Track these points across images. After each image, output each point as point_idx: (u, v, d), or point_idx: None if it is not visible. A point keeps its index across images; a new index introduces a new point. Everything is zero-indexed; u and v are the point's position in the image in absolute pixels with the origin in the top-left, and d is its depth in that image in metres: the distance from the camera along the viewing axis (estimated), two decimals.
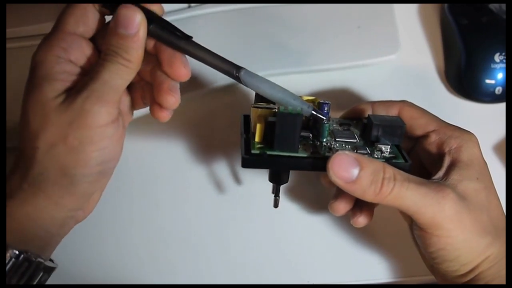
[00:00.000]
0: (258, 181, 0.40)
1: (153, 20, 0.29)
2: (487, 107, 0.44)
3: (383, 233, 0.39)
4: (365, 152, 0.31)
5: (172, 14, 0.43)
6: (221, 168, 0.41)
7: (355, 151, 0.31)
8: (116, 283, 0.37)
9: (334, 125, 0.34)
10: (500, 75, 0.43)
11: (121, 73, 0.28)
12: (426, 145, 0.33)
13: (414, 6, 0.49)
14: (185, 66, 0.29)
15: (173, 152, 0.41)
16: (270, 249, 0.38)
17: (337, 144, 0.32)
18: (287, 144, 0.30)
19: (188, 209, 0.39)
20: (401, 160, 0.31)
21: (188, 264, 0.38)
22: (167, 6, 0.43)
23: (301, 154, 0.31)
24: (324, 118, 0.31)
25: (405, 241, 0.38)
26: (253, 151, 0.30)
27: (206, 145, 0.41)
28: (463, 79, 0.44)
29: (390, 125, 0.32)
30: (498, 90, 0.43)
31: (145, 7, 0.28)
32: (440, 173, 0.31)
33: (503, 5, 0.44)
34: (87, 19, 0.29)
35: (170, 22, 0.29)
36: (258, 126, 0.31)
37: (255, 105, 0.32)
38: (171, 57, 0.29)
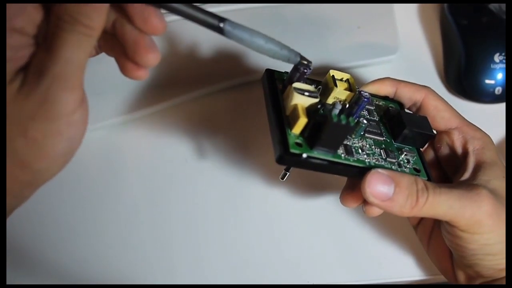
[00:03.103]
0: (259, 181, 0.40)
1: None
2: (487, 107, 0.44)
3: (383, 233, 0.39)
4: (394, 161, 0.31)
5: (172, 14, 0.43)
6: (222, 168, 0.41)
7: (385, 158, 0.31)
8: (116, 283, 0.37)
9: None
10: (500, 75, 0.43)
11: (83, 45, 0.23)
12: (448, 142, 0.33)
13: (414, 6, 0.49)
14: (161, 18, 0.26)
15: (174, 151, 0.41)
16: (270, 249, 0.38)
17: (367, 145, 0.31)
18: (329, 147, 0.29)
19: (188, 208, 0.39)
20: (423, 175, 0.31)
21: (188, 264, 0.38)
22: None
23: (338, 160, 0.29)
24: (311, 62, 0.29)
25: (405, 241, 0.38)
26: (292, 150, 0.28)
27: (209, 144, 0.41)
28: (463, 79, 0.44)
29: (423, 132, 0.32)
30: (498, 90, 0.43)
31: None
32: (467, 174, 0.31)
33: (503, 5, 0.44)
34: None
35: None
36: (302, 120, 0.28)
37: (298, 89, 0.29)
38: (144, 11, 0.25)
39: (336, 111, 0.28)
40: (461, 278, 0.33)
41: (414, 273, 0.38)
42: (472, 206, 0.28)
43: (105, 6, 0.23)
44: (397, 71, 0.44)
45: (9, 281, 0.34)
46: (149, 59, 0.26)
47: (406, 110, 0.35)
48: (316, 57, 0.43)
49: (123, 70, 0.27)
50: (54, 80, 0.23)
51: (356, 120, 0.29)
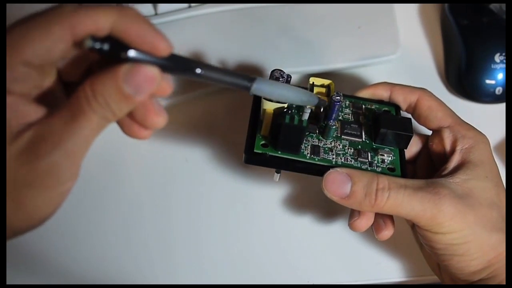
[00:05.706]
0: (259, 181, 0.40)
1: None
2: (487, 107, 0.44)
3: None
4: (366, 161, 0.32)
5: (172, 14, 0.43)
6: (222, 168, 0.41)
7: (356, 158, 0.32)
8: (116, 283, 0.37)
9: (346, 110, 0.35)
10: (500, 76, 0.43)
11: (102, 128, 0.23)
12: (439, 140, 0.33)
13: (414, 6, 0.49)
14: (161, 113, 0.25)
15: (174, 151, 0.41)
16: (270, 249, 0.38)
17: (341, 146, 0.32)
18: (290, 149, 0.31)
19: (188, 208, 0.39)
20: (398, 174, 0.32)
21: (188, 263, 0.38)
22: (167, 6, 0.43)
23: (302, 159, 0.31)
24: (325, 104, 0.31)
25: (405, 241, 0.38)
26: (255, 150, 0.31)
27: (209, 144, 0.41)
28: (463, 79, 0.44)
29: (399, 133, 0.32)
30: (498, 90, 0.43)
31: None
32: (446, 172, 0.31)
33: (503, 5, 0.44)
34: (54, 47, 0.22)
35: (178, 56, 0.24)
36: (266, 122, 0.31)
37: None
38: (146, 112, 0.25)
39: (306, 115, 0.30)
40: (446, 279, 0.33)
41: (414, 273, 0.38)
42: (433, 209, 0.29)
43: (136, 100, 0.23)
44: (397, 71, 0.44)
45: (9, 281, 0.34)
46: (158, 121, 0.25)
47: (405, 113, 0.35)
48: (316, 57, 0.43)
49: (128, 130, 0.26)
50: (65, 155, 0.22)
51: (306, 123, 0.31)
